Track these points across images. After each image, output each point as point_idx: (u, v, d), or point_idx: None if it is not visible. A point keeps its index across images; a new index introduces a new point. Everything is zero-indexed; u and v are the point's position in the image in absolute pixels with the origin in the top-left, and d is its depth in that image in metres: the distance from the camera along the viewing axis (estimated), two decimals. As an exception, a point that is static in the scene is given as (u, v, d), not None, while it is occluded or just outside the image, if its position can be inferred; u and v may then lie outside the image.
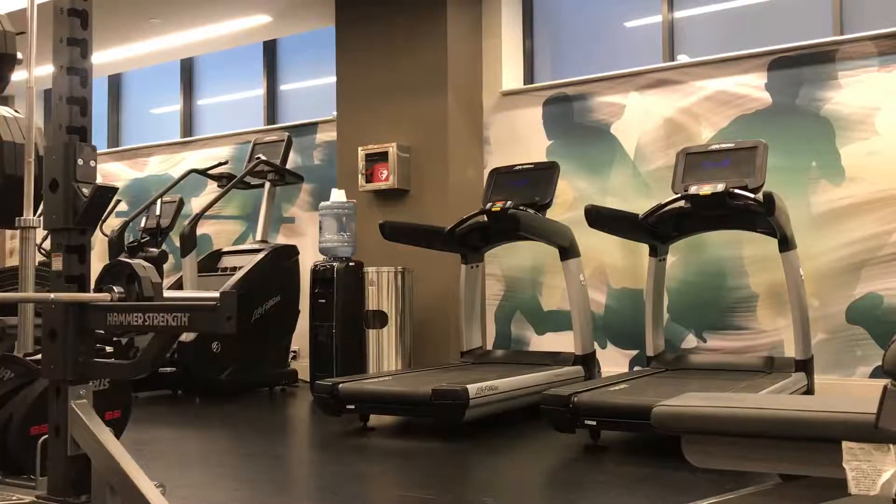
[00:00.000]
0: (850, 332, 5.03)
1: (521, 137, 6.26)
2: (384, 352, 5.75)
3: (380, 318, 5.74)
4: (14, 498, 2.45)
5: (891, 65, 5.00)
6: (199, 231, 6.73)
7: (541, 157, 6.05)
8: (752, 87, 5.42)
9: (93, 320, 2.36)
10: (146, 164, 8.58)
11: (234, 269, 6.31)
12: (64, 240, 2.41)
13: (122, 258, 2.55)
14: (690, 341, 5.53)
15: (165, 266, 7.09)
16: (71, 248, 2.41)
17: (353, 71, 6.63)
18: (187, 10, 7.12)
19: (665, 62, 5.89)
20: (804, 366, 4.59)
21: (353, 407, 4.48)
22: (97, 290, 2.41)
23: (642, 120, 5.79)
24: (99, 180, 2.47)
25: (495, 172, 5.64)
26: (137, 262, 2.38)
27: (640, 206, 5.20)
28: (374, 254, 6.12)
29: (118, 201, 8.11)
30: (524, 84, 6.48)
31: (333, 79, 6.84)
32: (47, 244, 6.51)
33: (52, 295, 2.32)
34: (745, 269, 5.38)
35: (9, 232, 8.31)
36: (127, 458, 2.21)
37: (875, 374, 4.91)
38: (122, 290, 2.34)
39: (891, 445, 1.82)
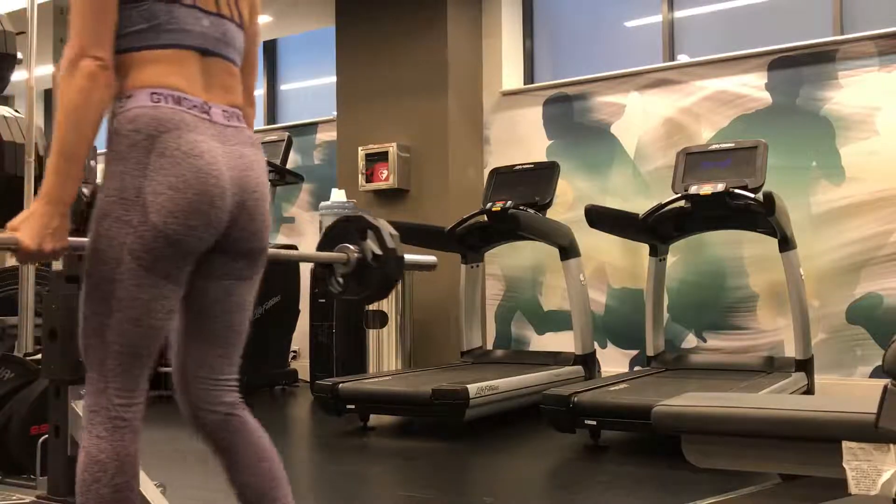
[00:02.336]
0: (851, 331, 5.03)
1: (521, 137, 6.26)
2: (384, 352, 5.75)
3: (380, 318, 5.74)
4: (14, 498, 2.45)
5: (891, 64, 5.00)
6: (199, 231, 6.72)
7: (541, 157, 6.05)
8: (753, 86, 5.42)
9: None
10: (146, 164, 8.57)
11: (234, 269, 6.30)
12: (64, 240, 2.40)
13: (352, 213, 2.27)
14: (691, 341, 5.53)
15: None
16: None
17: (353, 71, 6.63)
18: (187, 10, 7.12)
19: (665, 62, 5.89)
20: (804, 366, 4.59)
21: (353, 407, 4.47)
22: (326, 250, 2.12)
23: (642, 120, 5.79)
24: (99, 180, 2.47)
25: (495, 172, 5.64)
26: (374, 216, 2.12)
27: (640, 205, 5.19)
28: (374, 254, 6.11)
29: (118, 201, 8.10)
30: (524, 84, 6.47)
31: (333, 79, 6.84)
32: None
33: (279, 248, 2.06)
34: (745, 269, 5.37)
35: (9, 232, 8.31)
36: (127, 458, 2.21)
37: (875, 373, 4.90)
38: (356, 247, 2.09)
39: (891, 445, 1.82)
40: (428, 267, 2.48)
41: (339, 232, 2.12)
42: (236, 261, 1.69)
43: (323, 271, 2.17)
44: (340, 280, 2.14)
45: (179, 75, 1.59)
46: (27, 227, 1.49)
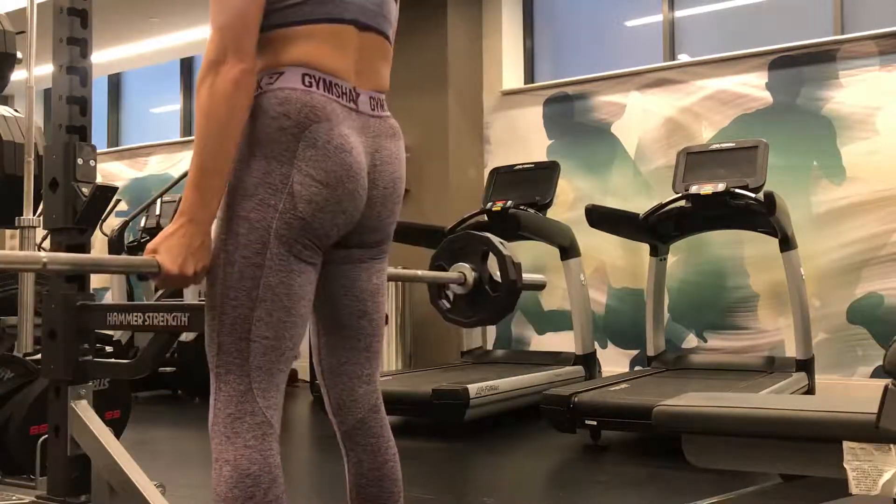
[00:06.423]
0: (851, 331, 5.02)
1: (521, 137, 6.26)
2: (384, 352, 5.74)
3: (380, 318, 5.73)
4: (14, 498, 2.45)
5: (892, 64, 4.99)
6: (200, 231, 6.70)
7: (541, 157, 6.04)
8: (753, 86, 5.41)
9: (93, 320, 2.35)
10: (146, 163, 8.57)
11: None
12: (64, 239, 2.41)
13: (472, 231, 2.08)
14: (691, 341, 5.53)
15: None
16: (71, 247, 2.40)
17: (353, 70, 6.62)
18: (187, 9, 7.11)
19: (665, 61, 5.88)
20: (805, 366, 4.59)
21: (353, 407, 4.46)
22: (436, 267, 1.91)
23: (643, 119, 5.78)
24: (99, 180, 2.46)
25: (496, 172, 5.64)
26: (495, 238, 1.91)
27: (640, 205, 5.19)
28: (375, 253, 6.11)
29: (118, 201, 8.09)
30: (525, 83, 6.47)
31: (334, 78, 6.82)
32: (47, 244, 6.50)
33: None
34: (746, 269, 5.37)
35: (9, 232, 8.31)
36: (127, 458, 2.21)
37: (876, 373, 4.90)
38: (474, 267, 1.94)
39: (892, 445, 1.81)
40: (539, 287, 2.37)
41: (459, 247, 1.98)
42: (359, 248, 1.59)
43: (435, 285, 2.01)
44: (450, 297, 2.03)
45: (334, 55, 1.48)
46: (167, 248, 1.41)
